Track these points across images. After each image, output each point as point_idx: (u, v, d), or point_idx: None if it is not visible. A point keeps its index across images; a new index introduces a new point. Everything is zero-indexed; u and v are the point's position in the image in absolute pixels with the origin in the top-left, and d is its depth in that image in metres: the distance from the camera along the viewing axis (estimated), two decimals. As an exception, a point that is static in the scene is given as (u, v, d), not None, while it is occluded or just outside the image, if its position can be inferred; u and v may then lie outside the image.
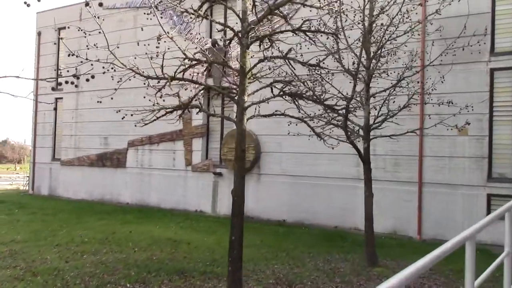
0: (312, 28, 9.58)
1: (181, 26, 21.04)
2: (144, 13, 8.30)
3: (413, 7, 10.74)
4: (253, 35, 7.62)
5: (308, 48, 10.52)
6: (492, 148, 14.66)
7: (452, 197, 14.98)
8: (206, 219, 18.50)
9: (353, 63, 10.54)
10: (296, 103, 8.45)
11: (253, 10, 7.77)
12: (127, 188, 23.37)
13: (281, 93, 7.93)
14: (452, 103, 11.69)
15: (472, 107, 12.57)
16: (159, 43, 6.98)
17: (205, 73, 16.87)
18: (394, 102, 11.57)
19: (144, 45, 8.00)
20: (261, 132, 18.67)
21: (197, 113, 8.26)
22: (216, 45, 18.31)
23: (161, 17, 7.88)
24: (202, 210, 20.48)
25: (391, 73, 11.64)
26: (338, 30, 10.64)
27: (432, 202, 15.29)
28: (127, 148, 23.52)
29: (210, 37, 20.60)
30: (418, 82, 12.61)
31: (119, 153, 23.76)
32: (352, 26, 10.94)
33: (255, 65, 7.59)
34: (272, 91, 8.06)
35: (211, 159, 20.71)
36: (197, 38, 18.84)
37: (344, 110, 10.18)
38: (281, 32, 8.19)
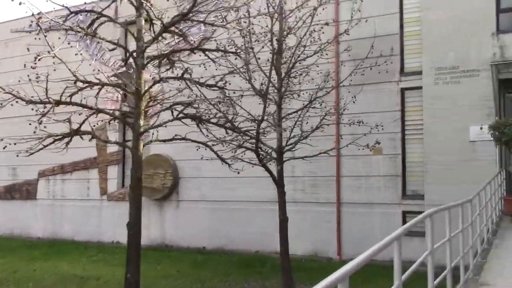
0: (222, 48, 9.25)
1: (95, 50, 20.11)
2: (31, 32, 7.59)
3: (321, 28, 10.66)
4: (150, 54, 7.11)
5: (216, 69, 10.18)
6: (405, 166, 14.89)
7: (369, 216, 15.02)
8: (122, 251, 17.37)
9: (262, 84, 10.25)
10: (200, 126, 7.99)
11: (151, 28, 7.29)
12: (38, 221, 21.80)
13: (181, 115, 7.45)
14: (363, 123, 11.72)
15: (382, 126, 12.68)
16: (35, 63, 6.31)
17: (119, 97, 16.10)
18: (307, 123, 11.41)
19: (32, 67, 7.25)
20: (178, 156, 18.04)
21: (89, 140, 7.63)
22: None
23: (73, 41, 7.24)
24: (118, 241, 19.33)
25: (303, 93, 11.49)
26: (248, 50, 10.37)
27: (350, 221, 15.27)
28: (37, 179, 22.03)
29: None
30: (334, 103, 12.54)
31: (29, 184, 22.22)
32: (262, 46, 10.70)
33: (150, 87, 7.09)
34: (172, 114, 7.57)
35: (127, 187, 19.73)
36: (112, 62, 18.05)
37: (256, 133, 9.84)
38: (179, 51, 7.76)
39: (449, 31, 13.63)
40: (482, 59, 13.16)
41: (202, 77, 8.40)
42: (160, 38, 7.09)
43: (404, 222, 14.60)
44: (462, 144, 13.30)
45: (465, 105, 13.33)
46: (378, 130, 12.36)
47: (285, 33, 10.48)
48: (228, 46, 10.76)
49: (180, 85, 8.78)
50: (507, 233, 8.90)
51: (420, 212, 13.41)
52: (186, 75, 7.66)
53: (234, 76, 10.08)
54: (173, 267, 13.26)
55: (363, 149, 12.17)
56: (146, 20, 7.26)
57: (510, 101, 13.48)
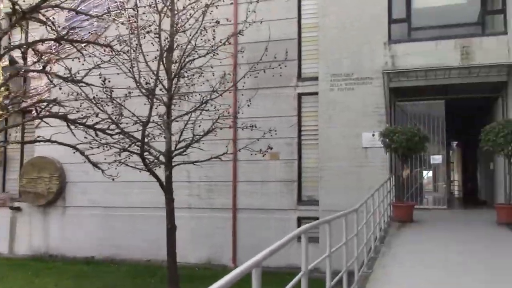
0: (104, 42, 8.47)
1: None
2: None
3: (213, 26, 10.16)
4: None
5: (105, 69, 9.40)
6: (301, 171, 14.86)
7: (265, 222, 14.79)
8: (0, 262, 15.87)
9: (146, 83, 9.57)
10: (71, 127, 7.19)
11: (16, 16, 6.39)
12: None
13: (41, 115, 6.62)
14: (256, 127, 11.40)
15: (276, 131, 12.42)
16: None
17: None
18: (200, 126, 10.87)
19: None
20: (66, 159, 16.69)
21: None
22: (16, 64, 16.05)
23: None
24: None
25: (196, 95, 10.94)
26: (136, 47, 9.65)
27: (246, 228, 14.95)
28: None
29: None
30: (229, 106, 12.06)
31: None
32: (152, 44, 10.03)
33: (6, 81, 6.20)
34: (37, 112, 6.71)
35: (8, 191, 18.06)
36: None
37: (141, 135, 9.13)
38: (41, 41, 6.92)
39: (344, 38, 13.77)
40: (374, 67, 13.41)
41: (78, 73, 7.55)
42: (25, 26, 6.21)
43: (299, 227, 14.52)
44: (355, 150, 13.45)
45: (359, 112, 13.51)
46: (272, 135, 12.11)
47: (175, 30, 9.86)
48: (117, 42, 10.02)
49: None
50: (394, 240, 8.96)
51: (315, 218, 13.41)
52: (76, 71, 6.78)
53: (118, 74, 9.31)
54: (52, 280, 12.16)
55: (255, 154, 11.80)
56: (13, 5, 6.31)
57: (400, 109, 13.84)
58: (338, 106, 13.68)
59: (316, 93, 14.14)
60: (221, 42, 10.46)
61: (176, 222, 15.35)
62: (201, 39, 10.11)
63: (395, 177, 12.97)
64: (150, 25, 9.66)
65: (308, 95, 14.83)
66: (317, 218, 13.35)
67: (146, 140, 9.77)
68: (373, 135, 12.76)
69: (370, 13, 13.64)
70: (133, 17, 9.18)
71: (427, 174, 15.09)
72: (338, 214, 6.05)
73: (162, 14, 9.68)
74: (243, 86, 13.36)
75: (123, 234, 16.11)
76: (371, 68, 13.48)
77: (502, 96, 13.15)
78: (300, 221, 14.62)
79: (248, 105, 12.62)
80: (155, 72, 9.72)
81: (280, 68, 12.41)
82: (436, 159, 13.68)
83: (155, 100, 10.03)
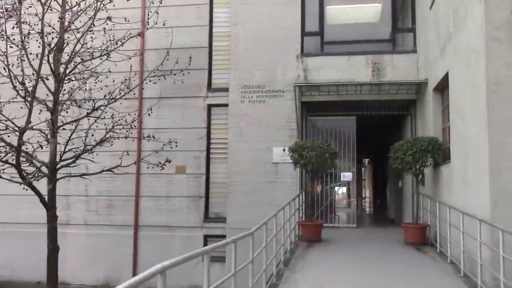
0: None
1: None
2: None
3: (105, 24, 9.12)
4: None
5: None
6: (209, 186, 14.07)
7: (169, 240, 13.81)
8: None
9: (21, 83, 8.38)
10: None
11: None
12: None
13: None
14: (154, 138, 10.46)
15: (177, 143, 11.42)
16: None
17: None
18: (93, 135, 9.77)
19: None
20: None
21: None
22: None
23: None
24: None
25: (90, 102, 9.84)
26: (18, 43, 8.47)
27: (148, 246, 13.88)
28: None
29: None
30: (129, 114, 10.97)
31: None
32: (36, 40, 8.86)
33: None
34: None
35: None
36: None
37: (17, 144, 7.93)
38: None
39: (257, 49, 13.23)
40: (287, 80, 12.97)
41: None
42: None
43: (205, 246, 13.69)
44: (266, 165, 12.88)
45: (270, 126, 12.98)
46: (177, 147, 11.20)
47: (64, 27, 8.78)
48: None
49: None
50: (299, 262, 8.38)
51: (222, 236, 12.66)
52: None
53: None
54: None
55: (153, 167, 10.86)
56: None
57: (312, 124, 13.48)
58: (248, 118, 13.08)
59: (227, 105, 13.46)
60: (117, 43, 9.42)
61: (71, 240, 14.09)
62: (100, 41, 9.07)
63: (305, 194, 12.52)
64: (35, 24, 8.50)
65: (218, 107, 14.12)
66: (225, 236, 12.63)
67: (26, 149, 8.55)
68: (284, 150, 12.23)
69: (283, 25, 13.23)
70: (14, 10, 7.99)
71: (339, 190, 14.82)
72: (235, 237, 5.29)
73: (47, 7, 8.55)
74: (149, 95, 12.47)
75: (9, 252, 14.45)
76: (283, 81, 13.03)
77: (411, 114, 13.15)
78: (206, 239, 13.80)
79: (149, 114, 11.75)
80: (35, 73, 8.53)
81: (188, 73, 11.52)
82: (346, 176, 13.41)
83: (40, 105, 8.84)
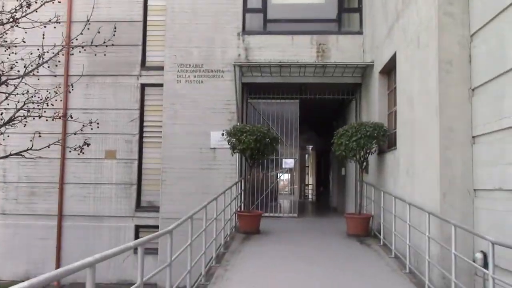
0: None
1: None
2: None
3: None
4: None
5: None
6: (141, 173, 13.03)
7: (97, 231, 12.73)
8: None
9: None
10: None
11: None
12: None
13: None
14: (72, 118, 9.39)
15: (98, 123, 10.19)
16: None
17: None
18: (1, 114, 8.54)
19: None
20: None
21: None
22: None
23: None
24: None
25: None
26: None
27: (73, 238, 12.72)
28: None
29: None
30: (48, 91, 9.69)
31: None
32: None
33: None
34: None
35: None
36: None
37: None
38: None
39: (194, 25, 12.27)
40: (226, 60, 12.09)
41: None
42: None
43: (137, 237, 12.70)
44: (202, 151, 12.01)
45: (208, 108, 12.09)
46: (92, 128, 9.97)
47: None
48: None
49: None
50: (233, 259, 7.59)
51: (155, 227, 11.72)
52: None
53: None
54: None
55: (70, 151, 9.78)
56: None
57: (253, 107, 12.68)
58: (185, 100, 12.13)
59: (162, 85, 12.42)
60: (30, 7, 8.18)
61: (-15, 232, 12.72)
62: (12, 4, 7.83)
63: (245, 182, 11.76)
64: None
65: (152, 87, 13.06)
66: (157, 227, 11.71)
67: None
68: (223, 134, 11.33)
69: (224, 0, 12.30)
70: None
71: (281, 177, 14.10)
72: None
73: None
74: (77, 72, 11.28)
75: None
76: (223, 60, 12.14)
77: (356, 99, 12.59)
78: (138, 230, 12.81)
79: (70, 92, 10.63)
80: None
81: (118, 49, 10.36)
82: (288, 163, 12.71)
83: None
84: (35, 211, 12.93)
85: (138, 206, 12.87)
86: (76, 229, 12.73)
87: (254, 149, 9.55)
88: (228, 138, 9.89)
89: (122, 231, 12.65)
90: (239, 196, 10.95)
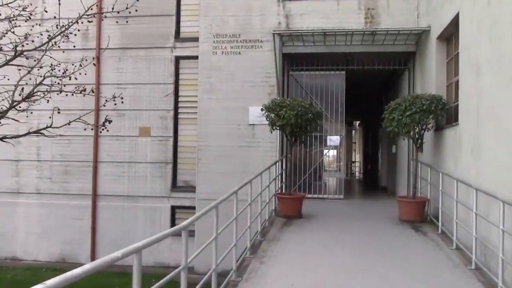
0: None
1: None
2: None
3: None
4: None
5: None
6: (177, 151, 12.36)
7: (132, 211, 12.22)
8: None
9: None
10: None
11: None
12: None
13: None
14: (93, 92, 8.74)
15: (122, 98, 9.36)
16: None
17: None
18: (23, 90, 7.96)
19: None
20: None
21: None
22: None
23: None
24: None
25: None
26: None
27: (108, 219, 12.28)
28: None
29: None
30: (74, 65, 9.02)
31: None
32: None
33: None
34: None
35: None
36: None
37: None
38: None
39: (231, -9, 11.32)
40: (265, 28, 11.12)
41: None
42: None
43: (174, 219, 12.16)
44: (241, 127, 11.19)
45: (246, 81, 11.22)
46: (116, 103, 9.18)
47: None
48: None
49: None
50: (270, 249, 6.77)
51: (192, 208, 11.05)
52: None
53: None
54: None
55: (85, 129, 9.05)
56: None
57: (295, 79, 11.70)
58: (221, 73, 11.29)
59: (197, 57, 11.58)
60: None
61: (22, 211, 12.44)
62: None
63: (286, 160, 10.90)
64: None
65: (187, 59, 12.29)
66: (194, 208, 11.07)
67: None
68: (262, 109, 10.43)
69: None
70: None
71: (326, 154, 13.07)
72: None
73: None
74: (107, 45, 10.62)
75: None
76: (262, 29, 11.18)
77: (409, 69, 11.39)
78: (174, 210, 12.20)
79: (94, 64, 9.84)
80: None
81: (149, 18, 9.51)
82: (333, 140, 11.72)
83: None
84: (69, 191, 12.53)
85: (174, 186, 12.25)
86: (111, 209, 12.26)
87: (294, 125, 8.60)
88: (267, 113, 8.98)
89: (158, 212, 12.07)
90: (279, 177, 10.11)
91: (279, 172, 10.01)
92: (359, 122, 27.45)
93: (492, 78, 6.00)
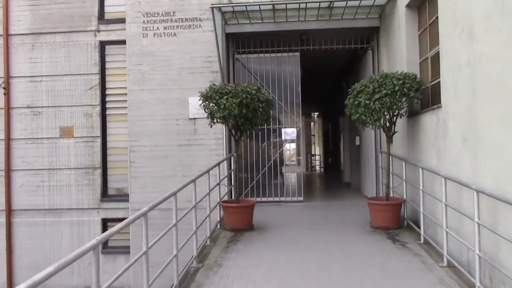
0: None
1: None
2: None
3: None
4: None
5: None
6: (106, 154, 10.46)
7: (55, 228, 10.26)
8: None
9: None
10: None
11: None
12: None
13: None
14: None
15: (5, 89, 7.76)
16: None
17: None
18: None
19: None
20: None
21: None
22: None
23: None
24: None
25: None
26: None
27: (27, 237, 10.28)
28: None
29: None
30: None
31: None
32: None
33: None
34: None
35: None
36: None
37: None
38: None
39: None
40: (205, 5, 9.43)
41: None
42: None
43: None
44: (180, 122, 9.44)
45: (184, 68, 9.49)
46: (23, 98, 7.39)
47: None
48: None
49: None
50: (210, 280, 5.07)
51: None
52: None
53: None
54: None
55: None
56: None
57: (242, 64, 10.01)
58: (154, 59, 9.52)
59: (125, 41, 9.73)
60: None
61: None
62: None
63: (237, 159, 9.25)
64: None
65: (114, 44, 10.40)
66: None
67: None
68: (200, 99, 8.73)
69: None
70: None
71: (283, 149, 11.38)
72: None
73: None
74: (19, 30, 8.69)
75: None
76: (200, 5, 9.46)
77: (373, 48, 9.88)
78: (106, 224, 10.33)
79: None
80: None
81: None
82: (289, 133, 10.05)
83: None
84: (-21, 206, 10.43)
85: (105, 195, 10.35)
86: (30, 226, 10.26)
87: (239, 116, 6.91)
88: (204, 103, 7.26)
89: (87, 227, 10.17)
90: (226, 180, 8.43)
91: (226, 174, 8.32)
92: (317, 113, 26.03)
93: (495, 38, 4.44)
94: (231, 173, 8.75)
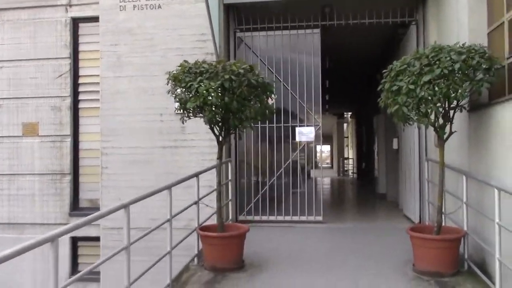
0: None
1: None
2: None
3: None
4: None
5: None
6: (78, 157, 8.49)
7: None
8: None
9: None
10: None
11: None
12: None
13: None
14: None
15: None
16: None
17: None
18: None
19: None
20: None
21: None
22: None
23: None
24: None
25: None
26: None
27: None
28: None
29: None
30: None
31: None
32: None
33: None
34: None
35: None
36: None
37: None
38: None
39: None
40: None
41: None
42: None
43: (75, 254, 8.35)
44: (165, 118, 7.38)
45: (171, 49, 7.46)
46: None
47: None
48: None
49: None
50: None
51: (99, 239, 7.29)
52: None
53: None
54: None
55: None
56: None
57: (245, 44, 7.83)
58: (134, 38, 7.51)
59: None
60: None
61: None
62: None
63: (237, 164, 7.14)
64: None
65: (90, 21, 8.40)
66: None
67: None
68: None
69: None
70: None
71: (296, 154, 8.99)
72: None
73: None
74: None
75: None
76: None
77: (418, 23, 7.53)
78: (76, 243, 8.35)
79: None
80: None
81: None
82: (305, 133, 7.70)
83: None
84: None
85: (75, 207, 8.38)
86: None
87: (220, 107, 4.72)
88: (173, 88, 5.10)
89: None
90: (222, 194, 6.26)
91: (217, 187, 6.15)
92: (350, 113, 23.62)
93: None
94: (223, 184, 6.60)
